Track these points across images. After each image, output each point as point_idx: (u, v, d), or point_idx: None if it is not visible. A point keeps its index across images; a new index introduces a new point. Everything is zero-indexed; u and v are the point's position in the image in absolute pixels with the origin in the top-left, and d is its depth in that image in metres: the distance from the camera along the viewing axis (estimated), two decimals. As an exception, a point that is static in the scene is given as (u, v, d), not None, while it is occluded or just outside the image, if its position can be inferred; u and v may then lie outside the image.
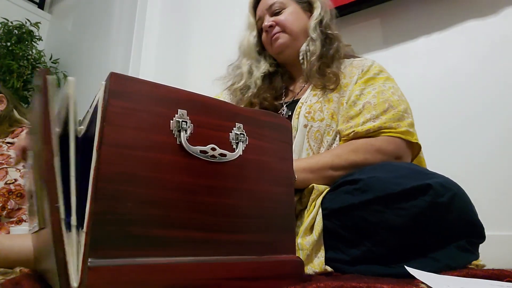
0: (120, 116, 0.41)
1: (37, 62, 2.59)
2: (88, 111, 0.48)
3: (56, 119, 0.42)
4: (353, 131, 0.78)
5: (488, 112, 1.21)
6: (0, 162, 1.23)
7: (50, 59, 2.65)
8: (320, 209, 0.68)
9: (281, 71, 1.02)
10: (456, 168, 1.16)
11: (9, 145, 1.32)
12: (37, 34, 2.64)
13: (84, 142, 0.43)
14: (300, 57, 0.94)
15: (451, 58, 1.32)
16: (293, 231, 0.54)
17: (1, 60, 2.39)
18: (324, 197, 0.70)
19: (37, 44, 2.64)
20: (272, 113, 0.57)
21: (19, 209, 1.19)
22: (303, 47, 0.94)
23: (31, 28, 2.59)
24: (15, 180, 1.21)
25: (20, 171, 1.23)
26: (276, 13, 0.97)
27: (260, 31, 1.03)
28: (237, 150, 0.49)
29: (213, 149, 0.47)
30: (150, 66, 2.18)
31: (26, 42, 2.54)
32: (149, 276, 0.39)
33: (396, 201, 0.58)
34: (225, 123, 0.50)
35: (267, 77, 1.00)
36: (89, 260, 0.36)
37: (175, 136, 0.44)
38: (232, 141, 0.50)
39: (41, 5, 3.05)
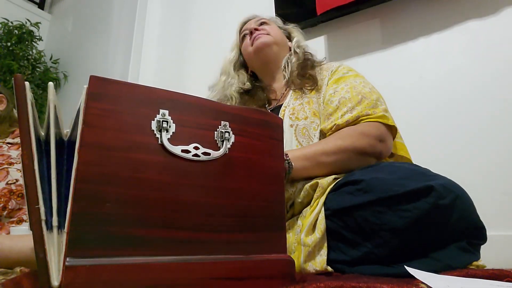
0: (100, 118, 0.41)
1: (37, 62, 2.60)
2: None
3: (33, 124, 0.42)
4: (334, 124, 0.83)
5: (488, 111, 1.20)
6: (1, 162, 1.23)
7: (50, 59, 2.66)
8: (323, 209, 0.68)
9: (261, 85, 1.10)
10: (456, 168, 1.16)
11: (9, 145, 1.31)
12: (37, 34, 2.64)
13: (70, 145, 0.44)
14: (283, 63, 1.04)
15: (451, 58, 1.31)
16: (283, 229, 0.53)
17: (1, 60, 2.40)
18: (326, 197, 0.70)
19: (37, 44, 2.65)
20: (261, 110, 0.57)
21: (19, 209, 1.19)
22: (287, 56, 1.04)
23: (31, 28, 2.60)
24: (16, 180, 1.20)
25: (21, 171, 1.23)
26: (262, 24, 1.09)
27: (240, 50, 1.12)
28: (222, 148, 0.49)
29: (196, 148, 0.47)
30: (150, 66, 2.18)
31: (27, 42, 2.55)
32: (128, 275, 0.39)
33: (399, 202, 0.58)
34: (210, 122, 0.49)
35: (246, 92, 1.08)
36: (67, 259, 0.36)
37: (156, 136, 0.44)
38: (217, 139, 0.49)
39: (41, 5, 3.06)
